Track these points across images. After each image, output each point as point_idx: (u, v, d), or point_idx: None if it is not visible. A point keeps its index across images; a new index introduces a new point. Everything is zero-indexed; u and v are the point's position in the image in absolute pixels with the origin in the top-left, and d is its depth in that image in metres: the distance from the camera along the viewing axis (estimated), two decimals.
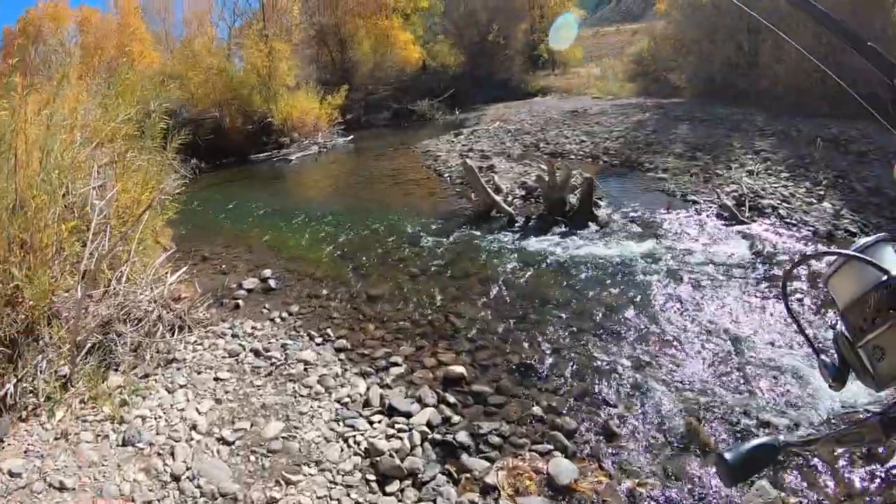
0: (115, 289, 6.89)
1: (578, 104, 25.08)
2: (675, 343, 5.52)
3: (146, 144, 8.30)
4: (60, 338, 5.53)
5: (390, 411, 4.63)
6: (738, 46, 20.38)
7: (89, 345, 5.83)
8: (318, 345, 5.89)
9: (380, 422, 4.51)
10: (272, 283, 7.74)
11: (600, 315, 6.18)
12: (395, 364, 5.41)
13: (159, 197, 8.85)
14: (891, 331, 0.88)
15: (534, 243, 8.51)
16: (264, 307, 7.06)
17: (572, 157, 14.90)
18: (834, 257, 0.98)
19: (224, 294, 7.66)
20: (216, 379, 5.11)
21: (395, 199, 12.40)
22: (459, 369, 5.15)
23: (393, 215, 10.66)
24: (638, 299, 6.49)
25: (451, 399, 4.80)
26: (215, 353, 5.72)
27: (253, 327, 6.42)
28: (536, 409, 4.63)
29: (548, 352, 5.54)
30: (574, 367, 5.25)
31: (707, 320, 5.88)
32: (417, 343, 5.86)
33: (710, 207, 9.54)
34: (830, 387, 1.01)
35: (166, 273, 8.78)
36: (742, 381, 4.81)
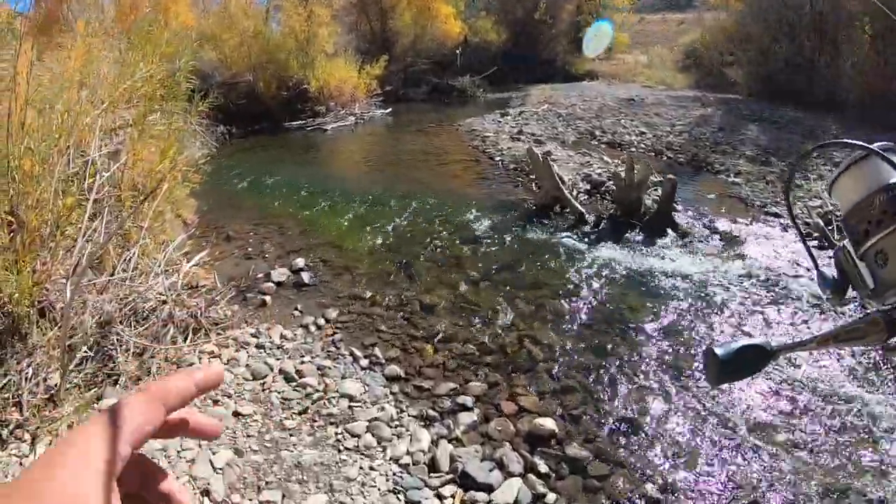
0: (120, 277, 5.85)
1: (631, 92, 23.71)
2: (795, 403, 4.36)
3: (168, 107, 7.16)
4: (50, 340, 4.55)
5: (465, 480, 3.47)
6: (802, 45, 18.95)
7: (85, 348, 4.83)
8: (363, 369, 4.71)
9: (452, 496, 3.36)
10: (306, 276, 6.57)
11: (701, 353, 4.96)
12: (465, 407, 4.22)
13: (181, 167, 7.75)
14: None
15: (609, 250, 7.28)
16: (296, 308, 5.91)
17: (632, 149, 13.55)
18: (845, 161, 0.87)
19: (249, 285, 6.55)
20: (236, 414, 3.97)
21: (443, 182, 11.14)
22: (549, 424, 3.95)
23: (442, 201, 9.45)
24: (739, 335, 5.31)
25: (542, 466, 3.63)
26: (235, 371, 4.59)
27: (282, 336, 5.27)
28: (650, 489, 3.48)
29: (650, 401, 4.38)
30: (687, 425, 4.08)
31: (827, 379, 4.63)
32: (489, 377, 4.66)
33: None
34: (828, 300, 0.95)
35: (183, 257, 7.76)
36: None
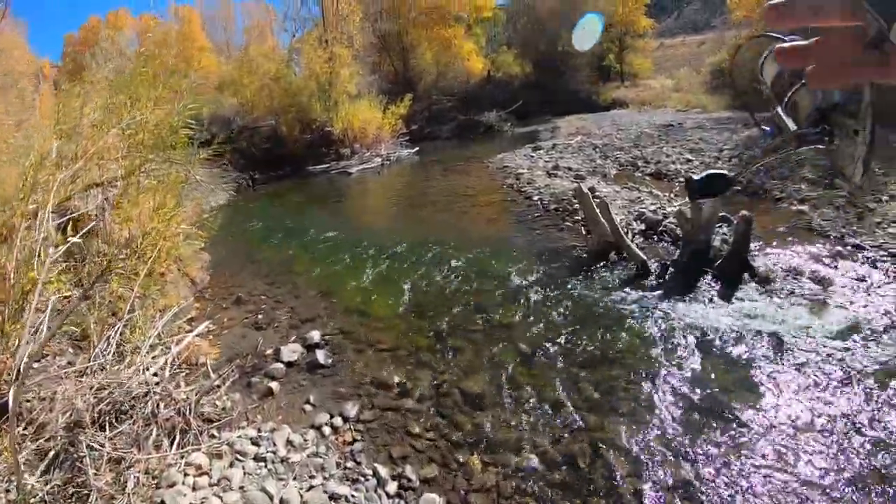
0: (100, 364, 4.87)
1: (666, 117, 22.63)
2: None
3: (167, 156, 6.23)
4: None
5: None
6: None
7: (52, 453, 3.89)
8: (390, 498, 3.55)
9: None
10: (321, 355, 5.44)
11: (849, 465, 3.73)
12: None
13: (179, 223, 6.82)
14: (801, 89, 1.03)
15: (682, 306, 6.06)
16: (308, 401, 4.78)
17: (680, 179, 12.36)
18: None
19: (255, 365, 5.49)
20: None
21: (478, 228, 10.02)
22: None
23: (479, 251, 8.32)
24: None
25: None
26: (227, 498, 3.48)
27: (289, 443, 4.15)
28: None
29: None
30: None
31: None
32: None
33: (884, 257, 6.95)
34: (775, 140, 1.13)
35: (187, 323, 6.77)
36: None
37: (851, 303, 5.89)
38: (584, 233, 8.49)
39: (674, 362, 4.97)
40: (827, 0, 0.57)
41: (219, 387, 5.05)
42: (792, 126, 1.11)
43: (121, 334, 5.29)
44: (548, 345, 5.43)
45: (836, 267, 6.88)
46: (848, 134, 0.93)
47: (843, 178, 0.94)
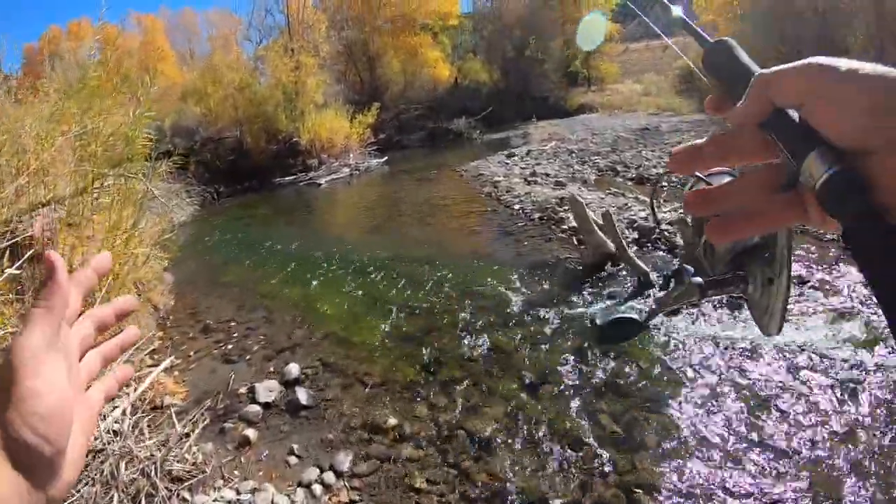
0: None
1: (640, 121, 22.39)
2: None
3: (121, 170, 5.57)
4: None
5: None
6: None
7: None
8: None
9: None
10: (302, 394, 4.79)
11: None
12: None
13: (137, 244, 6.18)
14: None
15: (691, 320, 5.55)
16: (292, 451, 4.15)
17: (664, 183, 11.98)
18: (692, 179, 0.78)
19: (227, 407, 4.88)
20: None
21: (461, 241, 9.45)
22: None
23: (464, 266, 7.78)
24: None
25: None
26: None
27: None
28: None
29: None
30: None
31: None
32: None
33: None
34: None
35: (149, 356, 6.11)
36: None
37: (863, 311, 5.48)
38: (576, 243, 8.00)
39: (691, 385, 4.46)
40: (735, 138, 0.51)
41: (188, 435, 4.43)
42: (709, 269, 1.03)
43: None
44: (553, 371, 4.88)
45: (839, 272, 6.49)
46: (763, 282, 0.84)
47: (758, 327, 0.79)
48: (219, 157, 20.05)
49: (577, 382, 4.72)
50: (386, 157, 21.68)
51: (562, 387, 4.66)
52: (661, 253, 7.46)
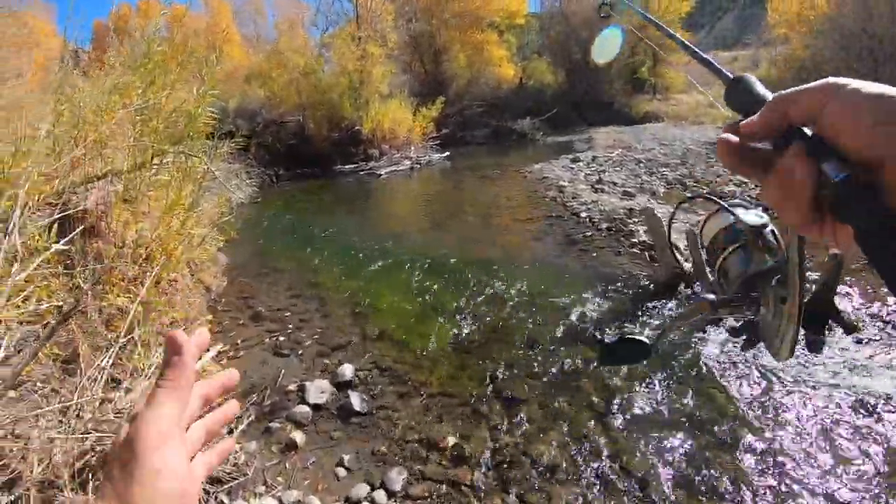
0: (87, 398, 4.01)
1: (709, 134, 21.52)
2: None
3: (185, 148, 5.35)
4: None
5: None
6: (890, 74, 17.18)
7: None
8: None
9: None
10: (355, 399, 4.50)
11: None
12: None
13: (194, 225, 5.97)
14: (732, 255, 1.16)
15: (780, 366, 5.09)
16: (341, 462, 3.85)
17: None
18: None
19: (274, 404, 4.61)
20: None
21: (526, 247, 9.01)
22: None
23: (529, 274, 7.39)
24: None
25: None
26: None
27: None
28: None
29: None
30: None
31: None
32: None
33: None
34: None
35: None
36: None
37: None
38: (647, 259, 7.54)
39: (774, 430, 4.00)
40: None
41: (230, 432, 4.17)
42: (725, 291, 1.20)
43: (116, 357, 4.44)
44: (623, 398, 4.48)
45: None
46: (775, 303, 0.89)
47: (768, 350, 0.84)
48: (280, 141, 20.05)
49: (650, 413, 4.31)
50: (448, 153, 21.39)
51: (633, 416, 4.26)
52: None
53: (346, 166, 19.57)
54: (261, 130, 19.71)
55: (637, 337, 1.35)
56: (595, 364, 5.04)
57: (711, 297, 1.18)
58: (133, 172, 4.89)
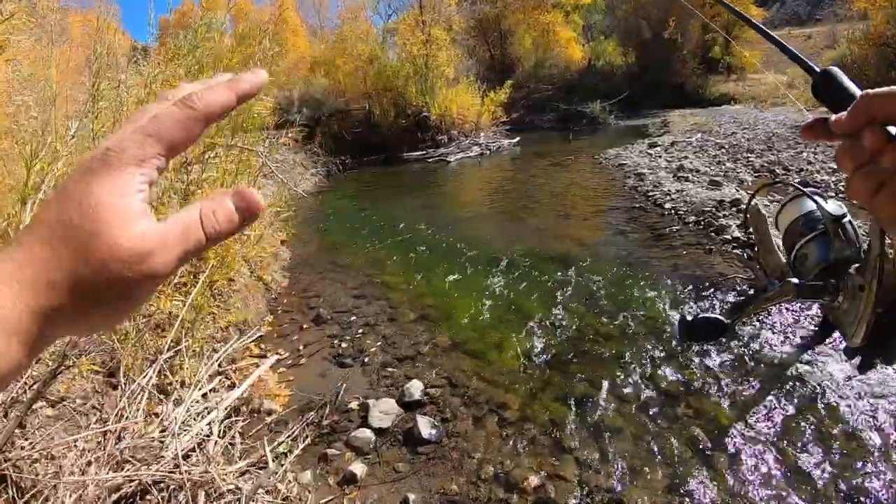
0: (128, 421, 3.66)
1: (793, 116, 20.10)
2: None
3: (236, 139, 4.93)
4: None
5: None
6: None
7: None
8: None
9: None
10: (424, 425, 3.94)
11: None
12: None
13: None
14: (811, 242, 1.32)
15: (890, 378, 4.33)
16: (406, 502, 3.35)
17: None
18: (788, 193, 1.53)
19: (334, 424, 4.15)
20: None
21: (605, 242, 8.27)
22: None
23: (613, 275, 6.70)
24: None
25: None
26: None
27: None
28: None
29: None
30: None
31: None
32: None
33: None
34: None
35: (255, 345, 5.55)
36: None
37: None
38: (744, 258, 6.79)
39: None
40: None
41: (285, 455, 3.73)
42: (797, 276, 1.34)
43: (162, 370, 4.07)
44: (731, 431, 3.81)
45: None
46: (853, 291, 1.03)
47: (842, 336, 1.03)
48: (346, 129, 19.80)
49: (762, 451, 3.63)
50: (518, 138, 20.72)
51: (743, 455, 3.59)
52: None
53: (414, 153, 19.20)
54: (326, 119, 19.51)
55: (716, 316, 1.34)
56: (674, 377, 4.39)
57: (796, 280, 1.32)
58: (178, 170, 4.48)
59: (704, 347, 4.93)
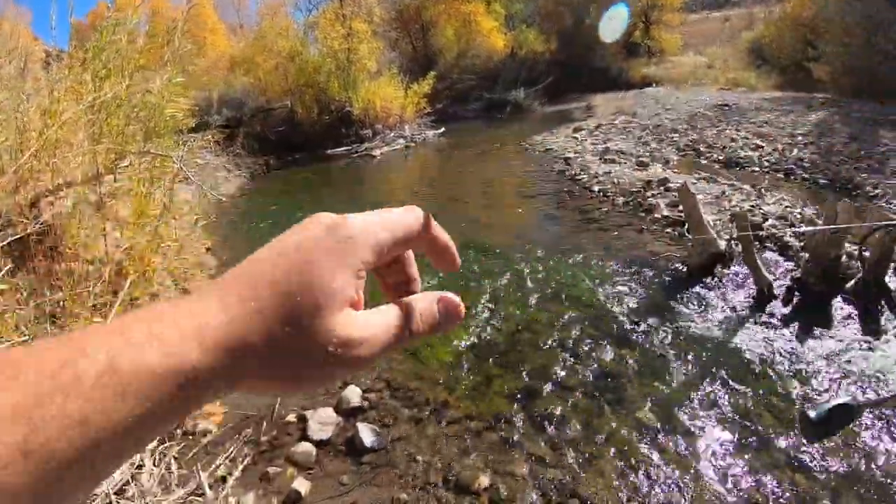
0: None
1: (714, 96, 20.66)
2: None
3: (149, 146, 4.64)
4: None
5: None
6: None
7: None
8: None
9: None
10: (366, 433, 3.78)
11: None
12: None
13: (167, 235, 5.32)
14: None
15: (832, 347, 4.47)
16: None
17: (754, 168, 10.64)
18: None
19: (273, 442, 3.95)
20: None
21: (537, 228, 8.32)
22: None
23: (546, 260, 6.68)
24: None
25: None
26: None
27: None
28: None
29: None
30: None
31: None
32: None
33: None
34: None
35: None
36: None
37: None
38: (674, 236, 6.89)
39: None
40: None
41: (224, 479, 3.52)
42: None
43: None
44: (675, 410, 3.83)
45: None
46: None
47: None
48: (268, 129, 19.29)
49: (710, 429, 3.66)
50: (443, 129, 20.63)
51: (691, 435, 3.60)
52: (769, 255, 6.28)
53: (339, 149, 18.84)
54: (248, 119, 18.96)
55: (841, 401, 1.25)
56: (631, 365, 4.40)
57: None
58: (88, 182, 4.17)
59: (645, 328, 4.95)
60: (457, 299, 0.49)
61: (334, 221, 0.42)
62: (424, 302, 0.47)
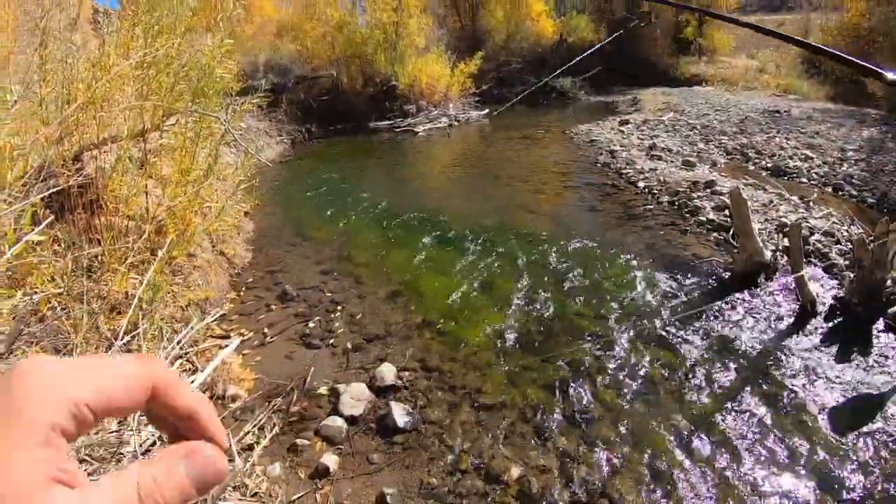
0: None
1: (765, 101, 20.11)
2: None
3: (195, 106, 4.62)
4: None
5: None
6: None
7: None
8: None
9: None
10: (398, 413, 3.78)
11: None
12: None
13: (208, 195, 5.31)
14: None
15: (871, 372, 4.31)
16: (382, 497, 3.14)
17: (802, 180, 10.29)
18: None
19: (302, 411, 3.95)
20: None
21: (578, 217, 8.20)
22: None
23: (587, 254, 6.58)
24: None
25: None
26: None
27: None
28: None
29: None
30: None
31: None
32: None
33: None
34: None
35: (217, 324, 5.29)
36: None
37: None
38: (718, 241, 6.74)
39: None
40: None
41: (251, 447, 3.52)
42: None
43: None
44: (713, 418, 3.74)
45: None
46: None
47: None
48: (312, 97, 19.25)
49: (744, 441, 3.57)
50: (487, 111, 20.40)
51: (725, 445, 3.52)
52: (812, 269, 6.09)
53: (382, 122, 18.80)
54: (292, 86, 18.93)
55: None
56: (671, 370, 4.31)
57: None
58: (134, 138, 4.16)
59: (684, 331, 4.85)
60: (213, 451, 0.37)
61: (9, 384, 0.32)
62: (163, 462, 0.35)
